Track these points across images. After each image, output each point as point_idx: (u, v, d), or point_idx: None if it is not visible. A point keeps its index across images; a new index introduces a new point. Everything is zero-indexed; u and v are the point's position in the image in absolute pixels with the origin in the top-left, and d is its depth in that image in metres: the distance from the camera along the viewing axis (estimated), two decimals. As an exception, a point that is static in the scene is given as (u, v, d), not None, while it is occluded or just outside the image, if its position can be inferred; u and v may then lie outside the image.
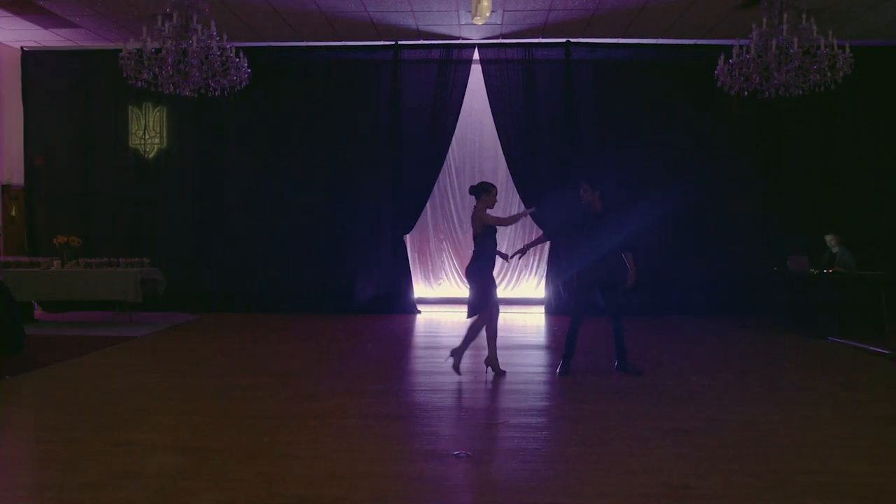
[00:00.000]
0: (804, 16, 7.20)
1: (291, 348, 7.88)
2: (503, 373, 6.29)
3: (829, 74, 7.14)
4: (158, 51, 7.24)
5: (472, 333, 6.25)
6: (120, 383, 6.11)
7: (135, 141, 11.12)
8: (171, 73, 7.08)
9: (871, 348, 7.63)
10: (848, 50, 7.21)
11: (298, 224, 10.94)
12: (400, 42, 10.69)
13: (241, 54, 7.77)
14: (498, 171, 11.21)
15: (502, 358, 6.47)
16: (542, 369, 6.79)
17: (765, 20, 7.34)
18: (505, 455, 4.22)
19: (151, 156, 11.13)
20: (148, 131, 11.12)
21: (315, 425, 4.74)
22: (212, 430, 4.62)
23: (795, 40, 7.00)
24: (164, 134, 11.14)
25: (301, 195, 10.97)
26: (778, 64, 7.09)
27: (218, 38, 7.25)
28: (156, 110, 11.10)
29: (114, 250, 10.19)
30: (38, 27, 9.90)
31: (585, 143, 10.77)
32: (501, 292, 11.25)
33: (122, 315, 9.87)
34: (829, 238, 9.27)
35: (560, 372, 6.34)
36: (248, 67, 7.80)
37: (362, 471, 3.84)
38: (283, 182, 10.98)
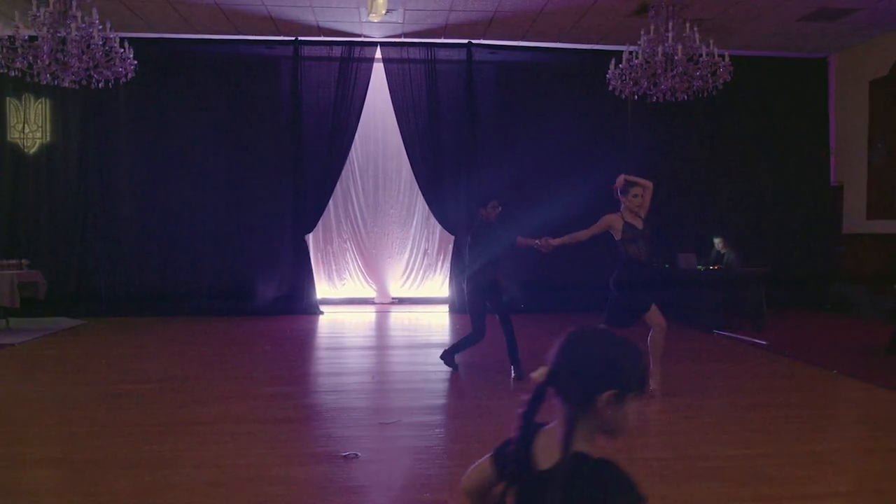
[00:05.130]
0: (688, 25, 7.56)
1: (184, 353, 7.54)
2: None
3: (710, 81, 7.53)
4: (34, 38, 6.79)
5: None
6: (-11, 394, 5.69)
7: (14, 135, 10.38)
8: (47, 62, 6.64)
9: (751, 340, 8.11)
10: (728, 58, 7.63)
11: (194, 223, 10.52)
12: (300, 38, 10.49)
13: (127, 45, 7.39)
14: (402, 170, 11.19)
15: (404, 357, 6.44)
16: (441, 367, 6.80)
17: (652, 28, 7.67)
18: (395, 454, 4.20)
19: (33, 150, 10.42)
20: (28, 124, 10.41)
21: (201, 432, 4.57)
22: (90, 441, 4.37)
23: (680, 48, 7.35)
24: (47, 127, 10.45)
25: (197, 193, 10.55)
26: (664, 70, 7.42)
27: (101, 26, 6.86)
28: (37, 102, 10.41)
29: (-12, 252, 9.49)
30: None
31: (487, 143, 10.91)
32: (406, 291, 11.40)
33: (-2, 321, 9.19)
34: (717, 241, 9.77)
35: (517, 377, 6.15)
36: (135, 59, 7.43)
37: (245, 476, 3.72)
38: (177, 180, 10.53)
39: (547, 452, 1.45)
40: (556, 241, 5.70)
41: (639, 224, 5.56)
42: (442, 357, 6.43)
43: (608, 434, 1.48)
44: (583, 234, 5.67)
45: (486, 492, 1.61)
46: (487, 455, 1.59)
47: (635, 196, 5.50)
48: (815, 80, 11.53)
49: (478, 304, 6.24)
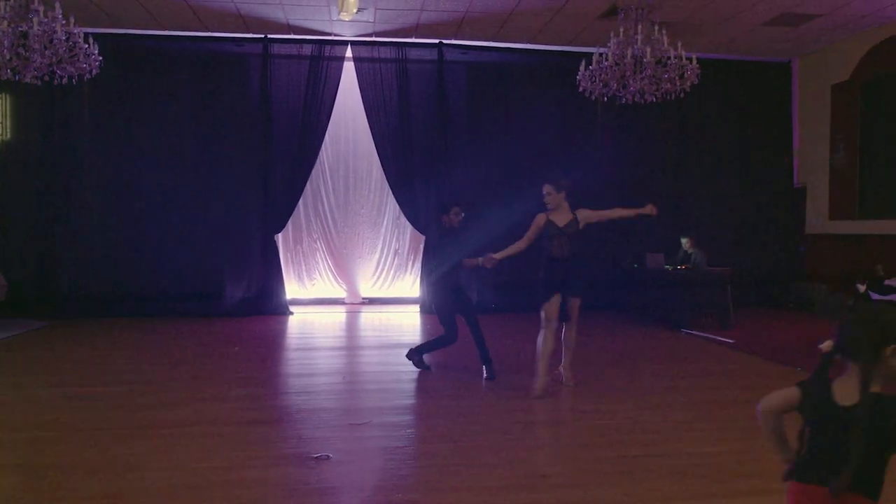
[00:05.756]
0: (656, 27, 7.66)
1: (151, 355, 7.39)
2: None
3: (678, 83, 7.63)
4: (-6, 33, 6.61)
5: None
6: (-53, 398, 5.52)
7: (-28, 131, 10.12)
8: (8, 57, 6.46)
9: (717, 339, 8.25)
10: (695, 61, 7.75)
11: (160, 223, 10.33)
12: (270, 36, 10.38)
13: (92, 40, 7.23)
14: (373, 169, 11.15)
15: (374, 357, 6.41)
16: (411, 368, 6.78)
17: (621, 30, 7.75)
18: (367, 455, 4.18)
19: (-8, 148, 10.17)
20: (-12, 121, 10.14)
21: (170, 435, 4.49)
22: (53, 446, 4.26)
23: (649, 50, 7.43)
24: (7, 124, 10.19)
25: (164, 192, 10.36)
26: (633, 72, 7.50)
27: (64, 21, 6.70)
28: (-3, 98, 10.16)
29: (-54, 252, 9.23)
30: None
31: (458, 143, 10.92)
32: (376, 291, 11.35)
33: (-43, 323, 8.94)
34: (684, 241, 9.91)
35: (489, 377, 6.16)
36: (101, 55, 7.27)
37: (216, 479, 3.67)
38: (143, 179, 10.31)
39: (846, 396, 1.89)
40: (497, 256, 5.81)
41: (560, 222, 5.70)
42: (409, 356, 6.42)
43: (886, 379, 1.90)
44: (521, 243, 5.78)
45: (782, 413, 2.06)
46: (794, 386, 2.00)
47: (547, 194, 5.71)
48: (780, 84, 11.77)
49: (445, 306, 6.24)
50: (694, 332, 8.70)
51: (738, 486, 3.67)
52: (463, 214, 6.29)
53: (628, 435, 4.54)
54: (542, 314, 5.62)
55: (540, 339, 5.61)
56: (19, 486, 3.63)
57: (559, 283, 5.62)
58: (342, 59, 10.60)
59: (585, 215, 5.78)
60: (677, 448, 4.28)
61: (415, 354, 6.43)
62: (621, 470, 3.86)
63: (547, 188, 5.70)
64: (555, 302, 5.61)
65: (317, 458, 3.99)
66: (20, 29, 6.48)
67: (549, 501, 3.44)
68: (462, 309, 6.27)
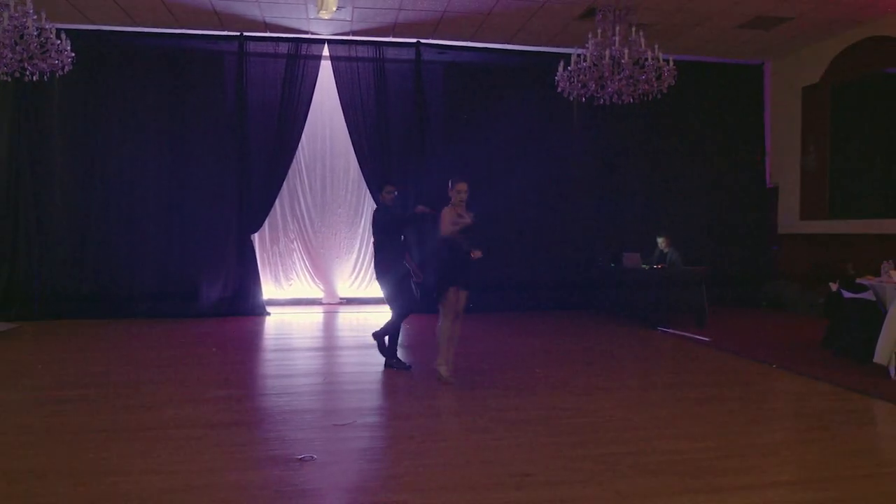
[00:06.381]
0: (633, 29, 7.73)
1: (126, 356, 7.26)
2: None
3: (655, 84, 7.71)
4: (-38, 28, 6.44)
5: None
6: (-86, 403, 5.37)
7: (-63, 129, 9.85)
8: (-23, 52, 6.31)
9: (694, 337, 8.35)
10: (672, 63, 7.83)
11: (134, 222, 10.17)
12: (245, 34, 10.27)
13: (64, 36, 7.10)
14: (350, 169, 11.10)
15: (353, 357, 6.38)
16: (391, 368, 6.77)
17: (599, 31, 7.80)
18: (351, 455, 4.15)
19: (-42, 146, 9.91)
20: (-47, 118, 9.88)
21: (149, 437, 4.41)
22: (26, 449, 4.17)
23: (626, 51, 7.50)
24: (-26, 121, 9.95)
25: (138, 191, 10.21)
26: (611, 73, 7.56)
27: (35, 16, 6.56)
28: (-37, 95, 9.89)
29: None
30: None
31: (435, 142, 10.92)
32: (354, 291, 11.30)
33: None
34: (660, 240, 10.01)
35: (393, 365, 6.47)
36: (73, 51, 7.13)
37: (199, 483, 3.62)
38: (116, 177, 10.17)
39: None
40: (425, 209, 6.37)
41: (467, 218, 5.92)
42: (387, 365, 6.48)
43: None
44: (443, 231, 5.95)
45: None
46: None
47: (465, 191, 5.94)
48: (753, 86, 11.97)
49: (390, 290, 6.40)
50: (670, 331, 8.80)
51: (719, 482, 3.71)
52: (395, 193, 6.70)
53: (610, 433, 4.57)
54: (443, 305, 5.84)
55: (441, 328, 5.87)
56: (-6, 491, 3.54)
57: (459, 275, 5.85)
58: (319, 57, 10.53)
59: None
60: (659, 445, 4.32)
61: (391, 358, 6.46)
62: (605, 467, 3.89)
63: (465, 186, 5.93)
64: (453, 293, 5.82)
65: (301, 459, 3.95)
66: (-10, 24, 6.32)
67: (536, 499, 3.45)
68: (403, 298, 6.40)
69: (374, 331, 6.64)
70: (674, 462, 4.00)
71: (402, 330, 6.59)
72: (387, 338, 6.52)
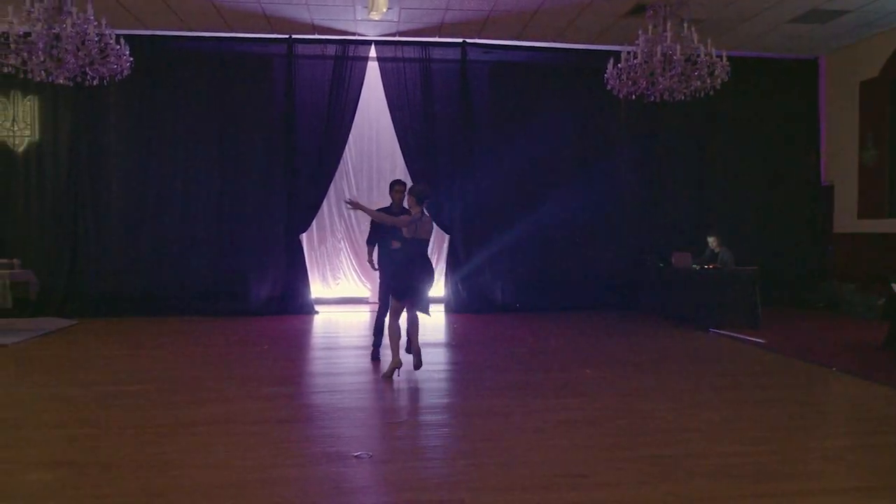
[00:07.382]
0: (686, 25, 7.59)
1: (180, 353, 7.45)
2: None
3: (708, 81, 7.56)
4: (28, 34, 6.67)
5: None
6: (-16, 396, 5.59)
7: (1, 133, 10.23)
8: (42, 58, 6.53)
9: (748, 339, 8.16)
10: (725, 59, 7.67)
11: (186, 223, 10.43)
12: (294, 36, 10.42)
13: (123, 41, 7.30)
14: (396, 170, 11.12)
15: (402, 356, 6.38)
16: (441, 367, 6.79)
17: (650, 28, 7.68)
18: (406, 454, 4.16)
19: (21, 149, 10.29)
20: (17, 122, 10.26)
21: (206, 432, 4.51)
22: (90, 442, 4.30)
23: (678, 48, 7.37)
24: (37, 125, 10.31)
25: (190, 193, 10.47)
26: (663, 70, 7.44)
27: (96, 22, 6.76)
28: (26, 100, 10.27)
29: (-23, 252, 9.34)
30: None
31: (482, 143, 10.91)
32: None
33: (-11, 322, 9.04)
34: (711, 240, 9.81)
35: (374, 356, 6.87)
36: (131, 56, 7.33)
37: (258, 478, 3.67)
38: (169, 179, 10.44)
39: None
40: (358, 202, 6.29)
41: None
42: (386, 376, 6.21)
43: None
44: (401, 223, 6.12)
45: None
46: None
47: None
48: (806, 81, 11.64)
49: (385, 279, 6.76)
50: (723, 332, 8.62)
51: (783, 487, 3.62)
52: (404, 194, 6.66)
53: (664, 434, 4.50)
54: (395, 303, 6.12)
55: (392, 326, 6.13)
56: (61, 482, 3.66)
57: (417, 276, 6.07)
58: (366, 58, 10.62)
59: None
60: (715, 448, 4.23)
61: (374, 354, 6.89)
62: (660, 469, 3.83)
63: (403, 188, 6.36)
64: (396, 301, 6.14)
65: (357, 456, 3.99)
66: (54, 31, 6.53)
67: (592, 501, 3.42)
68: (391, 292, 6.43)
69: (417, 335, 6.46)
70: (732, 465, 3.92)
71: (419, 327, 6.42)
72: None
